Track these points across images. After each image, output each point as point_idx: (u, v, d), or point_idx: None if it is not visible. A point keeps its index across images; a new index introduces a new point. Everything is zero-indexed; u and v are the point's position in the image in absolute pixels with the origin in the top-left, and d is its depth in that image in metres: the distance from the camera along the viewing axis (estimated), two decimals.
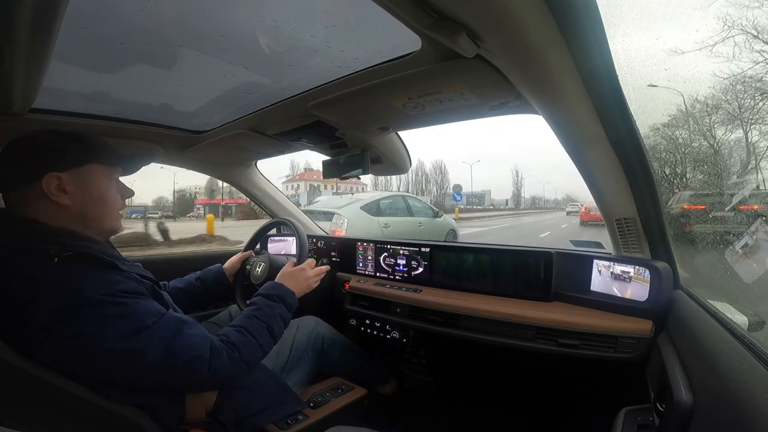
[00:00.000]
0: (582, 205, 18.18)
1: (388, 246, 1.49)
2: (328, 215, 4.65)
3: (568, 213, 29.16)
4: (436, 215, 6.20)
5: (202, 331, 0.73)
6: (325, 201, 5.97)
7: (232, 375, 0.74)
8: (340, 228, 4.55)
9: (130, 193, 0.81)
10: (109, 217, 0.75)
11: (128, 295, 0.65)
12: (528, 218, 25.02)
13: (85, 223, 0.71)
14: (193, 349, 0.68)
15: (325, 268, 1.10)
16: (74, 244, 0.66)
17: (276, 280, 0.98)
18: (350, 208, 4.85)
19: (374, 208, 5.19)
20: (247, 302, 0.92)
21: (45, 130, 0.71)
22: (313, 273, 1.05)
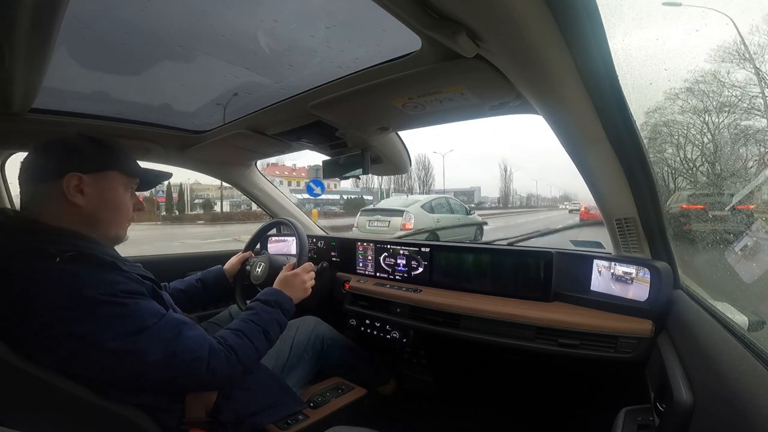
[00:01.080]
0: (581, 204, 18.18)
1: (388, 246, 1.49)
2: (395, 212, 6.16)
3: (570, 211, 29.12)
4: (468, 212, 7.81)
5: (202, 332, 0.73)
6: (391, 201, 8.10)
7: (228, 376, 0.74)
8: (409, 222, 5.88)
9: (142, 206, 0.84)
10: (116, 225, 0.77)
11: (129, 295, 0.65)
12: (523, 218, 21.72)
13: (93, 226, 0.72)
14: (193, 350, 0.69)
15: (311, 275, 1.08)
16: (76, 244, 0.66)
17: (274, 286, 0.98)
18: (414, 207, 6.21)
19: (429, 207, 6.69)
20: (246, 305, 0.91)
21: (77, 134, 0.75)
22: (309, 278, 1.04)
